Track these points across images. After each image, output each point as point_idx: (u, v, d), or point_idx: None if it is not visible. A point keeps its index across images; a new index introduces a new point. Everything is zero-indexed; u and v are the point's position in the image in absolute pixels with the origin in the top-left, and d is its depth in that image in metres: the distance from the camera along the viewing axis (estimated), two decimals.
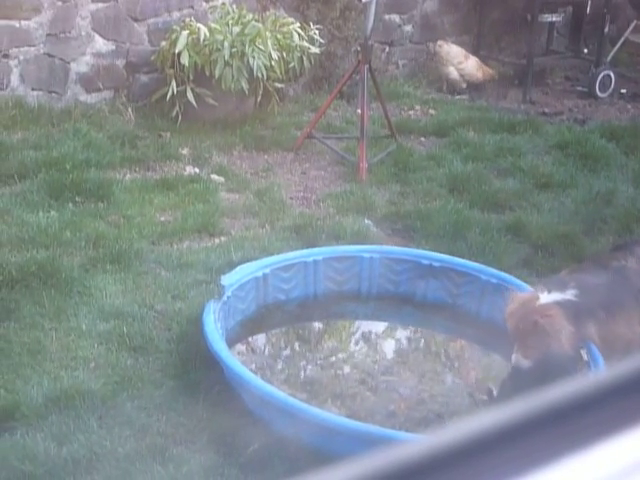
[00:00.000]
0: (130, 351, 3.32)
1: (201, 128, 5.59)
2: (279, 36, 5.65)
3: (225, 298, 3.40)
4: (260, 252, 4.02)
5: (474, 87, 7.12)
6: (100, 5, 5.71)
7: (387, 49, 7.28)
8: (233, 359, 3.03)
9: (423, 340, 3.86)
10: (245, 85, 5.46)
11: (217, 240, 4.32)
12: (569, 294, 3.23)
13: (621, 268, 3.32)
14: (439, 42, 7.18)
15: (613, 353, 3.21)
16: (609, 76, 7.39)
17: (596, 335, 3.21)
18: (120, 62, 5.88)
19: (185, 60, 5.41)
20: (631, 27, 7.72)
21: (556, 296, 3.23)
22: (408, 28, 7.40)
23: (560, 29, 8.06)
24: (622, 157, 5.69)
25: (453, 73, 7.06)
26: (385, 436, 2.66)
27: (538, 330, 3.16)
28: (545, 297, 3.24)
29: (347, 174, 5.27)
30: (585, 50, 7.88)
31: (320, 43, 6.00)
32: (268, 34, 5.55)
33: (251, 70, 5.44)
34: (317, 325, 3.87)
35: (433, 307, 3.84)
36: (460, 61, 7.06)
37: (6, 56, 5.39)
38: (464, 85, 7.09)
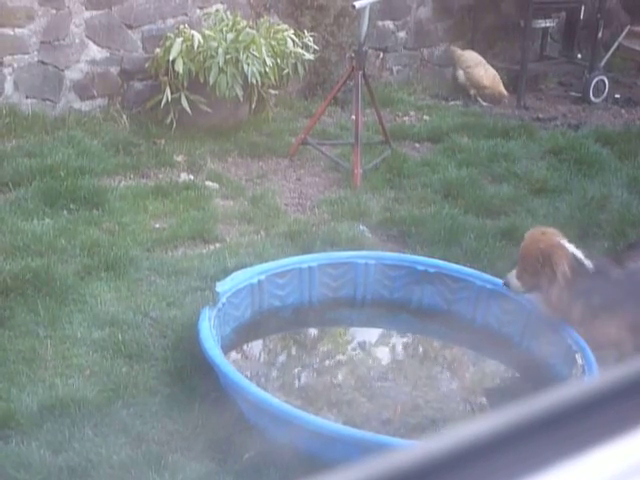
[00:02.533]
0: (125, 358, 3.32)
1: (196, 135, 5.59)
2: (273, 43, 5.65)
3: (220, 305, 3.40)
4: (255, 258, 4.02)
5: (485, 97, 7.11)
6: (94, 12, 5.71)
7: (381, 55, 7.29)
8: (228, 366, 3.03)
9: (418, 346, 3.86)
10: (239, 92, 5.47)
11: (212, 247, 4.32)
12: (587, 262, 3.32)
13: (635, 270, 3.38)
14: (452, 47, 7.25)
15: (594, 347, 3.24)
16: (603, 81, 7.41)
17: (578, 317, 3.30)
18: (114, 69, 5.88)
19: (179, 67, 5.41)
20: (624, 32, 7.75)
21: (578, 252, 3.35)
22: (402, 34, 7.41)
23: (554, 35, 8.08)
24: (616, 162, 5.70)
25: (461, 77, 7.11)
26: (381, 443, 2.65)
27: (539, 256, 3.30)
28: (568, 243, 3.36)
29: (342, 180, 5.28)
30: (579, 55, 7.90)
31: (314, 49, 6.00)
32: (262, 41, 5.55)
33: (245, 77, 5.44)
34: (312, 331, 3.87)
35: (428, 313, 3.84)
36: (469, 66, 7.09)
37: (0, 64, 5.39)
38: (472, 91, 7.10)
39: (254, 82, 5.50)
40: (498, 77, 7.10)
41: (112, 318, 3.55)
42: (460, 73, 7.14)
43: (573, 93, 7.62)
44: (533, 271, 3.35)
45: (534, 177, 5.37)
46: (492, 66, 7.23)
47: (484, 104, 7.06)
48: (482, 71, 7.07)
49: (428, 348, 3.81)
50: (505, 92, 7.09)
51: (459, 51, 7.22)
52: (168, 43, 5.56)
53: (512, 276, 3.46)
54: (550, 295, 3.32)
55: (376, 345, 3.77)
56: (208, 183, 5.06)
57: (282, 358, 3.67)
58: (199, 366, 3.16)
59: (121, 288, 3.81)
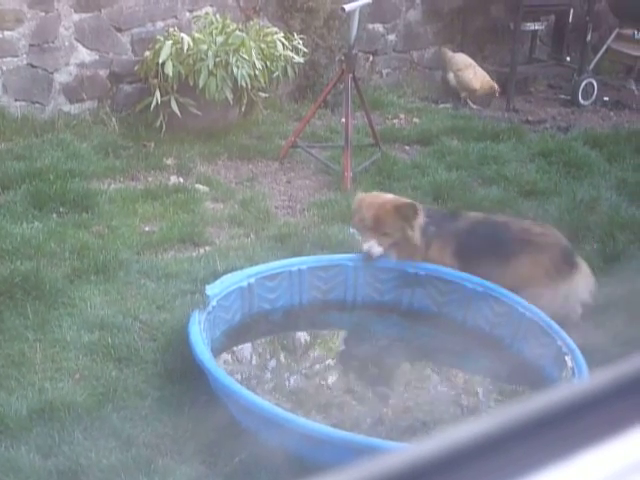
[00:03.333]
0: (115, 362, 3.31)
1: (185, 138, 5.58)
2: (263, 46, 5.65)
3: (210, 308, 3.39)
4: (245, 261, 4.01)
5: (475, 100, 7.12)
6: (83, 15, 5.70)
7: (371, 58, 7.30)
8: (219, 369, 3.02)
9: (409, 349, 3.86)
10: (229, 95, 5.46)
11: (202, 250, 4.31)
12: (419, 205, 3.82)
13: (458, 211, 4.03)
14: (443, 49, 7.26)
15: None
16: (592, 84, 7.43)
17: (423, 251, 3.77)
18: (103, 72, 5.87)
19: (169, 70, 5.40)
20: (613, 35, 7.77)
21: (408, 200, 3.84)
22: (392, 37, 7.43)
23: (543, 37, 8.11)
24: (605, 164, 5.72)
25: (452, 80, 7.12)
26: (371, 445, 2.65)
27: (394, 215, 3.71)
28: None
29: (332, 183, 5.28)
30: (568, 58, 7.93)
31: (304, 52, 6.00)
32: (252, 44, 5.55)
33: (235, 80, 5.43)
34: (302, 334, 3.86)
35: (419, 315, 3.84)
36: (459, 68, 7.10)
37: None
38: (462, 94, 7.11)
39: (244, 85, 5.49)
40: (488, 77, 7.11)
41: (102, 321, 3.54)
42: (451, 76, 7.15)
43: (562, 96, 7.64)
44: (392, 230, 3.72)
45: (524, 179, 5.38)
46: (481, 69, 7.23)
47: (474, 107, 7.08)
48: (472, 74, 7.09)
49: (419, 350, 3.81)
50: (497, 86, 7.10)
51: (450, 53, 7.23)
52: (158, 46, 5.55)
53: (372, 245, 3.74)
54: (413, 241, 3.71)
55: (366, 347, 3.77)
56: (198, 186, 5.05)
57: (272, 361, 3.66)
58: (189, 369, 3.15)
59: (111, 291, 3.80)
